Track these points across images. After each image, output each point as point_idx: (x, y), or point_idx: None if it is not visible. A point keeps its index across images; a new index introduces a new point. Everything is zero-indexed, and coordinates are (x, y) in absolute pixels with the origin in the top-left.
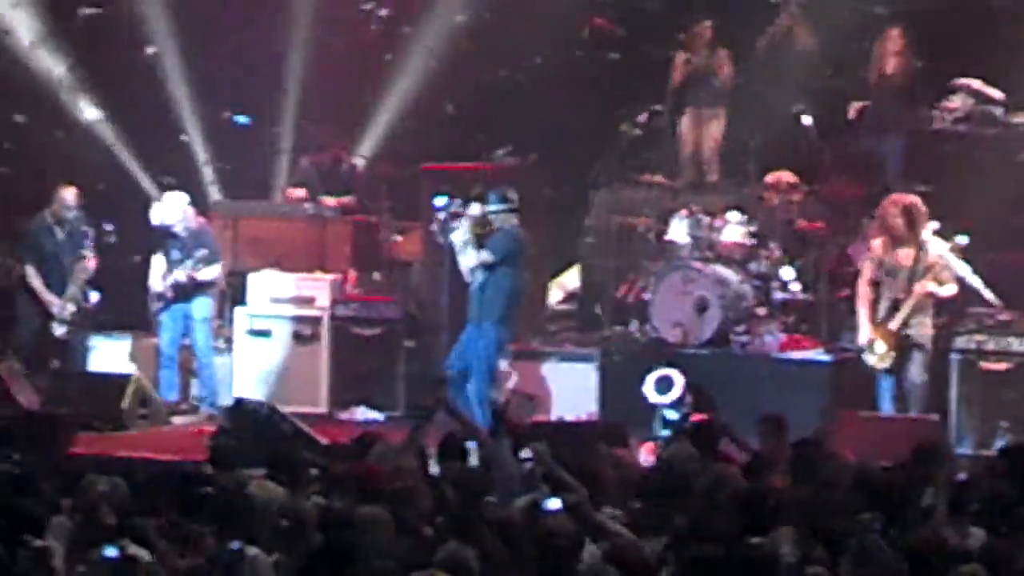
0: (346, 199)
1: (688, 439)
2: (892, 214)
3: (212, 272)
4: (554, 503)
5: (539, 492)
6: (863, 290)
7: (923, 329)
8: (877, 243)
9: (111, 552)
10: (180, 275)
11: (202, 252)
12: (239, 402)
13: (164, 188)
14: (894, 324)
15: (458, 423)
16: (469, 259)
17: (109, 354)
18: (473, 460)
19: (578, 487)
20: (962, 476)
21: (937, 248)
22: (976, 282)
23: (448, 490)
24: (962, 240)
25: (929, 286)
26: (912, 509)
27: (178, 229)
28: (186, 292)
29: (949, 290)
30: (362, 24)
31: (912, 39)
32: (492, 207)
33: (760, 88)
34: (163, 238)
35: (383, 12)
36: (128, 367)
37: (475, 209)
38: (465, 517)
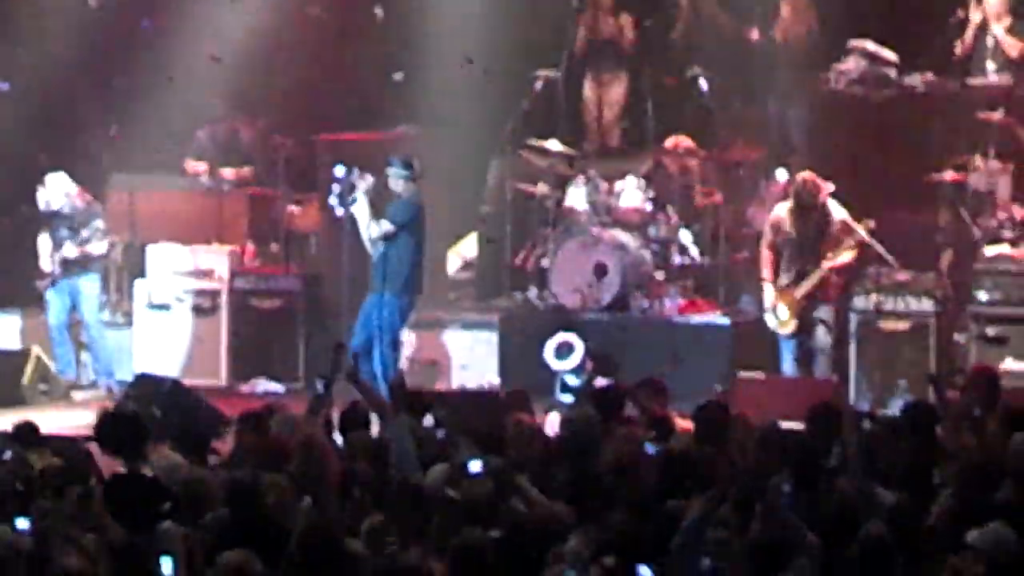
0: (244, 170)
1: (591, 403)
2: (797, 191)
3: (100, 247)
4: (475, 465)
5: (459, 455)
6: (765, 254)
7: (828, 296)
8: (780, 209)
9: (22, 524)
10: (69, 251)
11: (89, 229)
12: (141, 376)
13: (48, 170)
14: (799, 292)
15: (361, 393)
16: (370, 229)
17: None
18: (375, 430)
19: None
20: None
21: (839, 214)
22: (876, 245)
23: (356, 460)
24: (869, 223)
25: (839, 258)
26: (819, 470)
27: (65, 209)
28: (74, 270)
29: (847, 257)
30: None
31: (806, 1)
32: (395, 173)
33: (660, 54)
34: (50, 218)
35: None
36: (17, 344)
37: (369, 179)
38: (379, 486)
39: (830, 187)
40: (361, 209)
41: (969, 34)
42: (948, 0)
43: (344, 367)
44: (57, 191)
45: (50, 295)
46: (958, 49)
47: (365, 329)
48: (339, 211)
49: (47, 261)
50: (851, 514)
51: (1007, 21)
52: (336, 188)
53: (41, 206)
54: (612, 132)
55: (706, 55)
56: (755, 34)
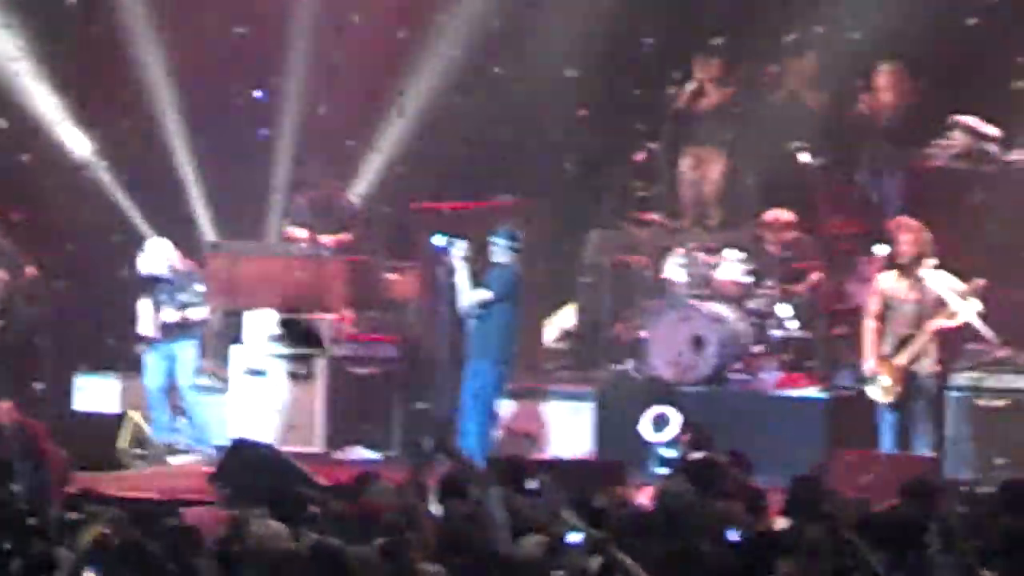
0: (342, 236)
1: (687, 477)
2: (900, 239)
3: (200, 313)
4: (575, 537)
5: (559, 526)
6: (869, 323)
7: (929, 366)
8: (884, 277)
9: None
10: (169, 316)
11: (189, 294)
12: (238, 441)
13: (162, 231)
14: (902, 359)
15: (455, 463)
16: (471, 296)
17: (96, 394)
18: (473, 499)
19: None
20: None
21: (938, 284)
22: (976, 321)
23: (453, 529)
24: (980, 282)
25: (939, 322)
26: (917, 549)
27: (165, 274)
28: (173, 334)
29: (947, 322)
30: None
31: (904, 74)
32: (500, 242)
33: (759, 129)
34: (151, 282)
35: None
36: (116, 407)
37: (465, 245)
38: (476, 555)
39: (931, 262)
40: (460, 276)
41: None
42: None
43: (445, 439)
44: (157, 256)
45: (148, 359)
46: None
47: (463, 398)
48: (444, 279)
49: (147, 325)
50: None
51: None
52: (445, 256)
53: (142, 271)
54: (712, 207)
55: (806, 129)
56: (853, 108)
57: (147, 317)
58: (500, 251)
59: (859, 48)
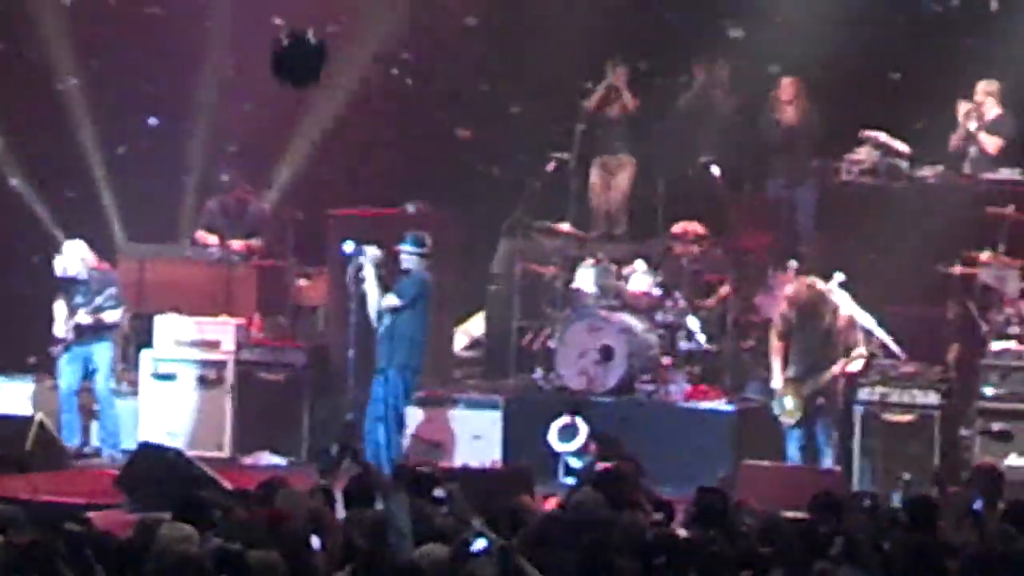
0: (253, 242)
1: (594, 487)
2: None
3: (114, 315)
4: (480, 544)
5: (466, 533)
6: (775, 344)
7: (834, 392)
8: (790, 302)
9: None
10: (83, 318)
11: (104, 296)
12: (144, 445)
13: (74, 233)
14: (806, 389)
15: (362, 470)
16: (380, 302)
17: (8, 396)
18: (379, 506)
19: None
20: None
21: (845, 307)
22: (881, 334)
23: (356, 535)
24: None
25: (853, 364)
26: (817, 559)
27: (81, 275)
28: (87, 336)
29: (857, 366)
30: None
31: (806, 87)
32: (408, 249)
33: (670, 139)
34: (67, 284)
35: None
36: (27, 409)
37: (374, 251)
38: (375, 562)
39: (839, 276)
40: (370, 282)
41: (960, 130)
42: (949, 95)
43: (352, 445)
44: (74, 258)
45: (63, 362)
46: (951, 143)
47: (371, 405)
48: (351, 286)
49: (61, 327)
50: None
51: (991, 113)
52: (351, 263)
53: (58, 272)
54: (620, 216)
55: (716, 142)
56: (763, 121)
57: (61, 319)
58: (408, 258)
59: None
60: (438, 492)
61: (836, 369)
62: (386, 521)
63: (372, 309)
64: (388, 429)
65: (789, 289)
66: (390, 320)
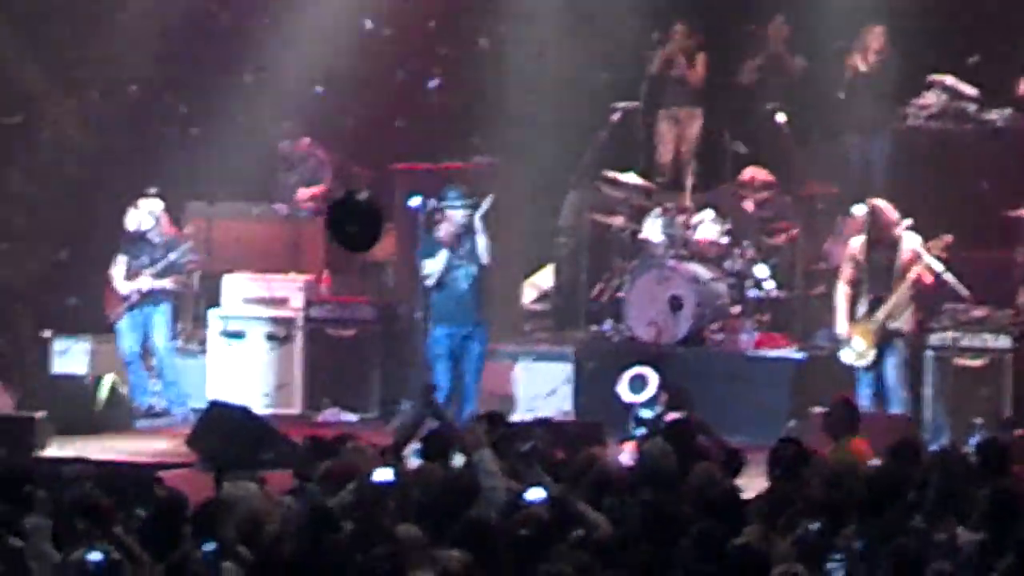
0: (314, 189)
1: (664, 437)
2: (868, 219)
3: (176, 281)
4: (536, 493)
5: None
6: (842, 288)
7: (905, 325)
8: (855, 242)
9: (95, 556)
10: (144, 283)
11: (167, 261)
12: (213, 404)
13: (141, 193)
14: (874, 322)
15: (445, 428)
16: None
17: (66, 356)
18: (456, 462)
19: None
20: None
21: (911, 243)
22: (951, 278)
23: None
24: (947, 238)
25: (915, 271)
26: (897, 509)
27: (152, 235)
28: (147, 299)
29: (928, 276)
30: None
31: (892, 36)
32: (462, 203)
33: (736, 89)
34: (132, 243)
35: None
36: (84, 369)
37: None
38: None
39: (907, 222)
40: (481, 236)
41: None
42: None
43: (434, 407)
44: (147, 215)
45: (122, 324)
46: (1021, 87)
47: (451, 364)
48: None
49: (124, 286)
50: (919, 554)
51: None
52: (464, 214)
53: (130, 227)
54: (688, 165)
55: (783, 91)
56: (839, 71)
57: (121, 277)
58: (465, 215)
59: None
60: (522, 446)
61: (899, 290)
62: (470, 476)
63: (485, 257)
64: (478, 383)
65: (855, 240)
66: (478, 275)
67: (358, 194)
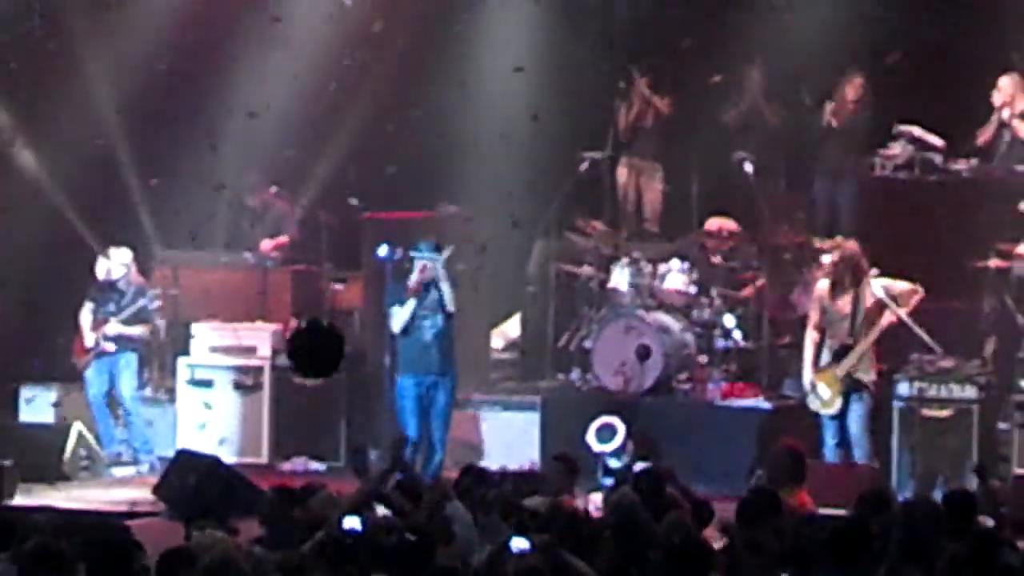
0: (279, 239)
1: (632, 487)
2: (835, 262)
3: (140, 331)
4: (520, 543)
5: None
6: (810, 334)
7: (867, 376)
8: (822, 287)
9: None
10: (114, 327)
11: (135, 308)
12: (181, 452)
13: (110, 243)
14: (839, 370)
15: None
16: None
17: (32, 405)
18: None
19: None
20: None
21: (878, 292)
22: (917, 328)
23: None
24: (920, 293)
25: (871, 333)
26: (863, 559)
27: (121, 284)
28: (115, 345)
29: (888, 318)
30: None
31: (868, 86)
32: (430, 256)
33: (705, 138)
34: (101, 291)
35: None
36: (51, 418)
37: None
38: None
39: (873, 271)
40: (446, 284)
41: (993, 121)
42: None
43: (400, 462)
44: (118, 264)
45: (89, 372)
46: (980, 138)
47: (418, 414)
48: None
49: (90, 336)
50: None
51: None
52: (427, 265)
53: (100, 275)
54: (653, 217)
55: (751, 139)
56: (817, 119)
57: (87, 326)
58: (433, 266)
59: (810, 60)
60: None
61: (866, 340)
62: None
63: (451, 308)
64: (447, 432)
65: (822, 283)
66: (444, 325)
67: (320, 322)
